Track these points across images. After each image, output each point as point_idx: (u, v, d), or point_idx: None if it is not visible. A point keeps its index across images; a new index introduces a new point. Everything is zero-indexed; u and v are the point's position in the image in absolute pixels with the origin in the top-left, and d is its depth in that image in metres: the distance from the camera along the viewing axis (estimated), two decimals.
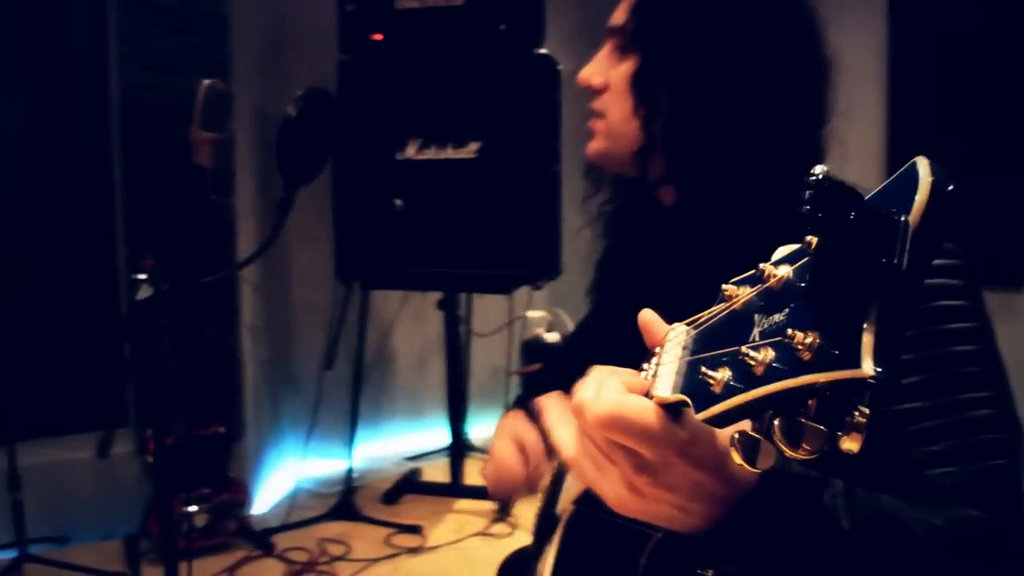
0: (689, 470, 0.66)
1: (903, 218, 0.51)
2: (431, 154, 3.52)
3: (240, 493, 3.41)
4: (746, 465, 0.57)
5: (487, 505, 3.59)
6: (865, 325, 0.50)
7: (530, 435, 1.30)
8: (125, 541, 3.24)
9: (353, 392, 3.77)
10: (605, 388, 0.66)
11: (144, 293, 2.19)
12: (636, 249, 1.26)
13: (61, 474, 3.30)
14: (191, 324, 3.36)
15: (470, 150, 3.46)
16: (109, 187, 3.45)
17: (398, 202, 3.49)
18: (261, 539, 3.35)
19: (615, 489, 0.69)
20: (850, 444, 0.52)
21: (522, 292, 3.76)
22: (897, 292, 0.51)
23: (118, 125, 3.37)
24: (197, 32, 3.40)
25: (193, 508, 3.25)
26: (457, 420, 3.88)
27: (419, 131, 3.52)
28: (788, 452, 0.54)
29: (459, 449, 3.86)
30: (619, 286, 1.29)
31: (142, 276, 3.20)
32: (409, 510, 3.68)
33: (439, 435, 4.06)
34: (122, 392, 3.44)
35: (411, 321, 4.19)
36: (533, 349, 3.93)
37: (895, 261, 0.50)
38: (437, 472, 3.96)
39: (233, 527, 3.35)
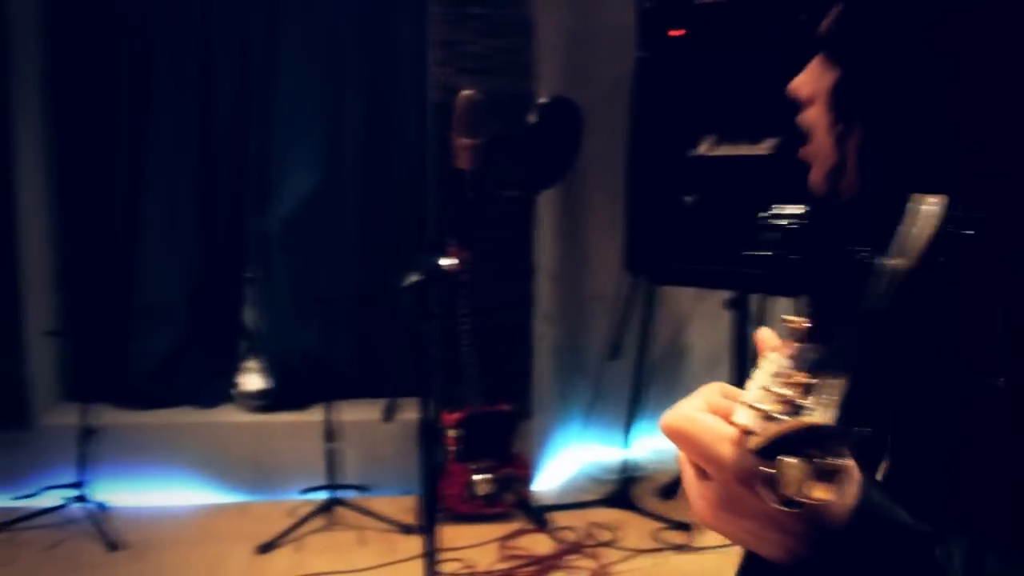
0: (756, 501, 0.64)
1: (885, 263, 0.51)
2: (725, 150, 3.47)
3: (523, 468, 3.63)
4: (769, 500, 0.56)
5: None
6: (840, 371, 0.50)
7: None
8: (419, 498, 3.59)
9: (635, 384, 3.83)
10: (689, 401, 0.68)
11: (412, 278, 2.41)
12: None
13: (372, 432, 3.72)
14: (489, 308, 3.64)
15: (765, 146, 3.36)
16: (424, 180, 3.82)
17: (688, 198, 3.49)
18: (537, 515, 3.54)
19: (694, 500, 0.70)
20: (820, 493, 0.51)
21: None
22: (876, 339, 0.50)
23: (434, 124, 3.71)
24: (505, 37, 3.66)
25: (478, 477, 3.53)
26: None
27: (714, 127, 3.49)
28: (792, 493, 0.53)
29: None
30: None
31: (447, 262, 3.55)
32: (684, 507, 3.67)
33: None
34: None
35: (705, 318, 4.15)
36: None
37: (869, 306, 0.50)
38: None
39: (513, 500, 3.58)
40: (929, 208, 0.52)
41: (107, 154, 3.83)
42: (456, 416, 3.53)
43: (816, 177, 1.12)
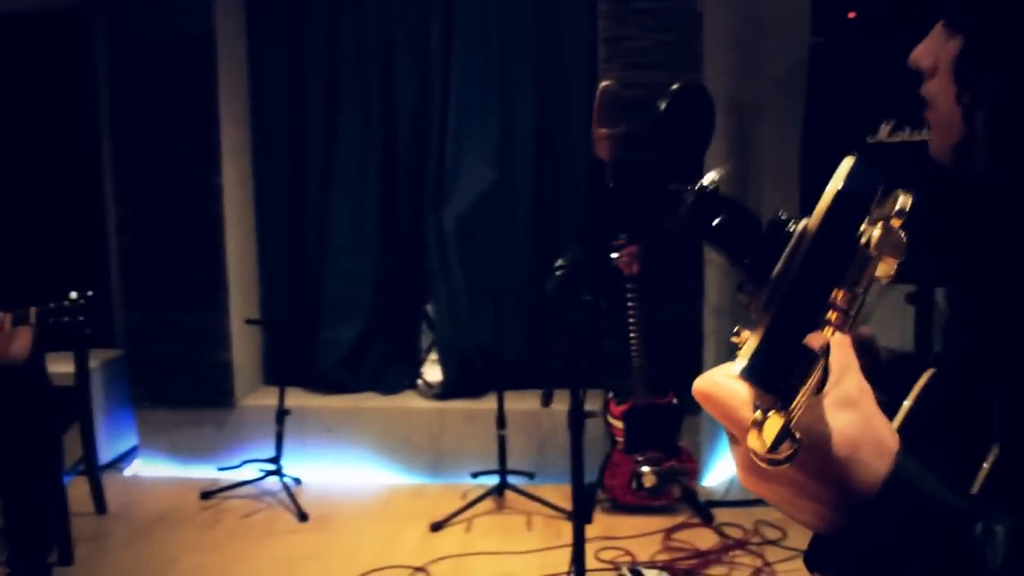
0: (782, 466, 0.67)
1: (791, 227, 0.54)
2: (904, 136, 3.31)
3: (689, 462, 3.60)
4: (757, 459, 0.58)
5: None
6: (759, 328, 0.54)
7: None
8: (585, 487, 3.65)
9: None
10: (722, 367, 0.71)
11: (559, 264, 2.48)
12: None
13: (541, 420, 3.83)
14: (658, 301, 3.65)
15: None
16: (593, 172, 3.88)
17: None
18: (703, 509, 3.51)
19: (735, 461, 0.72)
20: (752, 442, 0.54)
21: None
22: (785, 299, 0.53)
23: None
24: (672, 30, 3.65)
25: (644, 469, 3.54)
26: None
27: (893, 112, 3.33)
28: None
29: None
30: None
31: (614, 255, 3.59)
32: None
33: None
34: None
35: (886, 314, 3.94)
36: None
37: (776, 269, 0.53)
38: None
39: (678, 493, 3.56)
40: (841, 167, 0.53)
41: (301, 161, 4.17)
42: (623, 407, 3.56)
43: (939, 148, 1.07)
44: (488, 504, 3.61)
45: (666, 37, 3.69)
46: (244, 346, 4.06)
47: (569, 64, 3.97)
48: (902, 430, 0.77)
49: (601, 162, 2.97)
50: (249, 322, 3.98)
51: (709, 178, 0.57)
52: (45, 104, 4.39)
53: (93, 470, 3.59)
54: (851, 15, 3.40)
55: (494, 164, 4.00)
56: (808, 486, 0.63)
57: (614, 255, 3.52)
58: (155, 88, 3.82)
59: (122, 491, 3.85)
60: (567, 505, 3.52)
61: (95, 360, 4.07)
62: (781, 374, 0.53)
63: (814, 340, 0.54)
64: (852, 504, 0.62)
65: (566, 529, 3.39)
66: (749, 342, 0.53)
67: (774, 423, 0.52)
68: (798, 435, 0.53)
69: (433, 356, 4.21)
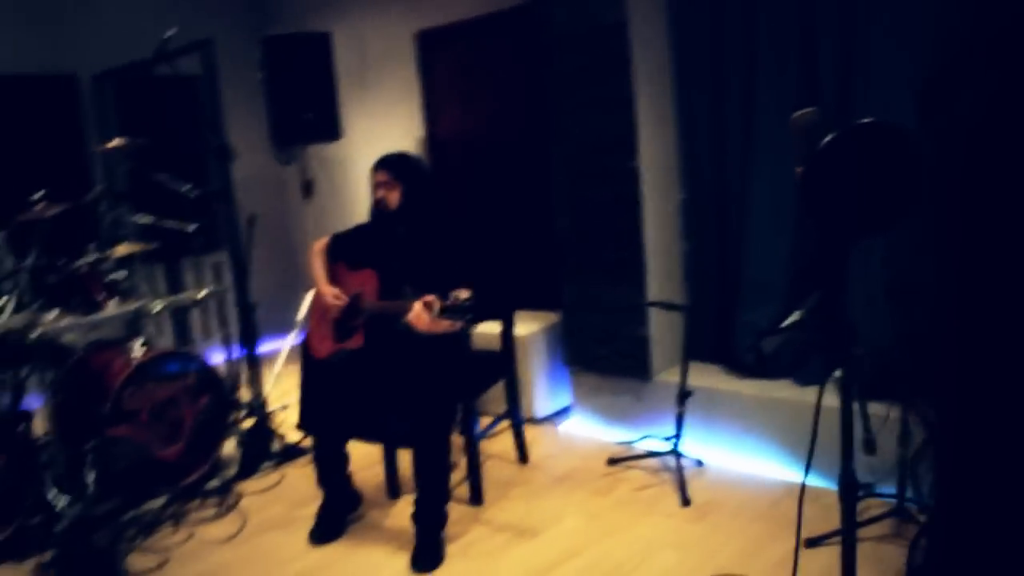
0: None
1: None
2: None
3: None
4: None
5: None
6: None
7: None
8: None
9: None
10: None
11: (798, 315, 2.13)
12: None
13: None
14: None
15: None
16: None
17: None
18: None
19: None
20: None
21: None
22: None
23: None
24: None
25: None
26: None
27: None
28: None
29: None
30: None
31: None
32: None
33: None
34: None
35: None
36: None
37: None
38: None
39: None
40: None
41: (721, 145, 4.06)
42: None
43: None
44: (878, 528, 3.23)
45: None
46: (662, 323, 4.17)
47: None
48: None
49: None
50: (650, 304, 4.07)
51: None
52: (516, 98, 4.99)
53: (517, 424, 4.09)
54: None
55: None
56: None
57: None
58: (580, 79, 4.05)
59: (548, 445, 4.32)
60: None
61: (545, 322, 4.61)
62: None
63: None
64: None
65: None
66: None
67: None
68: None
69: (853, 350, 3.82)
